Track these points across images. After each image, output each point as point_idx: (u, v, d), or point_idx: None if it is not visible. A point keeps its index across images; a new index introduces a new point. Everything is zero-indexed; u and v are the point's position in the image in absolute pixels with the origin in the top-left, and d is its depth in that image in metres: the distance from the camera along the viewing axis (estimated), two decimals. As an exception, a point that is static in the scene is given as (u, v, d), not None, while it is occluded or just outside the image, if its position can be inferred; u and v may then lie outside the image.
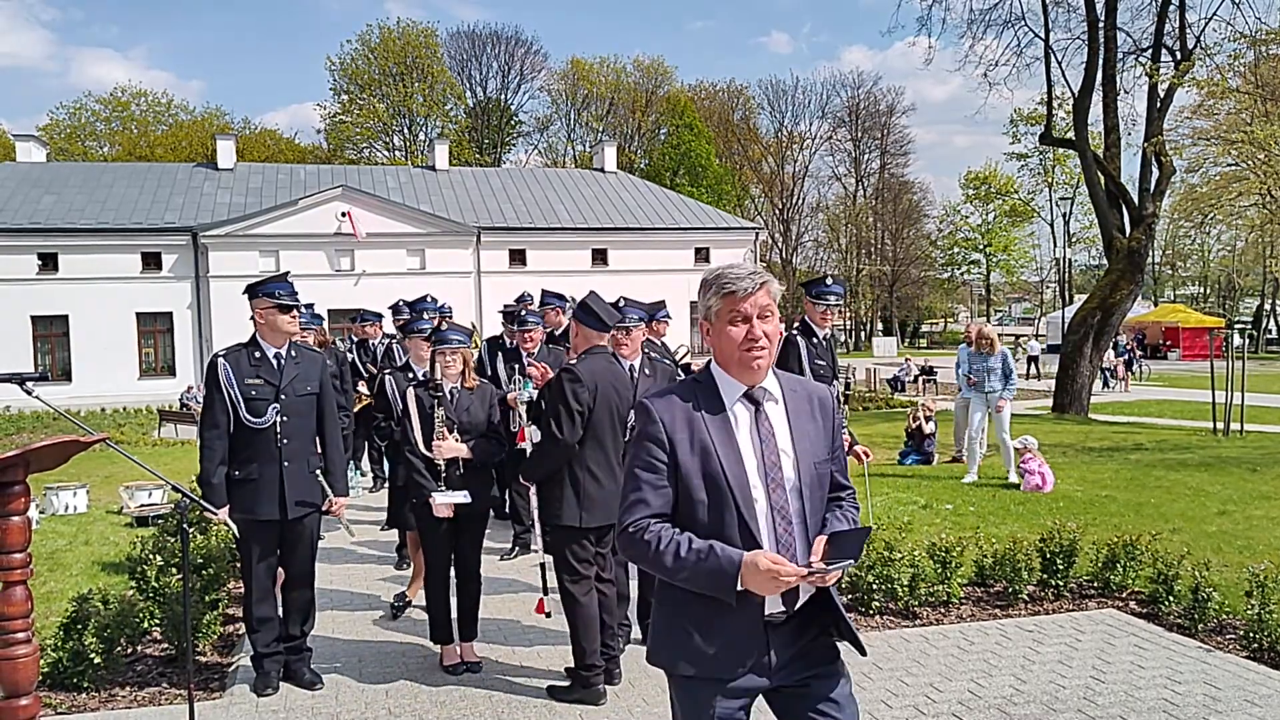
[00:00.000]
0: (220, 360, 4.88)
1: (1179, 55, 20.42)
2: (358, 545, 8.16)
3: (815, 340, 5.84)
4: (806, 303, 6.51)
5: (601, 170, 40.88)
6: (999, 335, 11.72)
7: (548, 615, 5.38)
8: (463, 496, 5.02)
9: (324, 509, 5.10)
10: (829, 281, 6.21)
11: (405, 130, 61.07)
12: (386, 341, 10.27)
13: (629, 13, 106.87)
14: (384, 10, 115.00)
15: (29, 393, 4.00)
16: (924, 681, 4.97)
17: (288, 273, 5.15)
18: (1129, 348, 37.18)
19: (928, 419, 12.89)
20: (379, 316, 10.68)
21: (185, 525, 4.17)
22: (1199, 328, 47.06)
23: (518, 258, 34.63)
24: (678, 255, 36.25)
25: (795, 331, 6.27)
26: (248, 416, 4.83)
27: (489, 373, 7.72)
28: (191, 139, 57.42)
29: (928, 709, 4.63)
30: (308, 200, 32.42)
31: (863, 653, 2.59)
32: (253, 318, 4.93)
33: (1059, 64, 22.43)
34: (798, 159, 68.85)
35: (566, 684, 4.87)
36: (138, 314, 31.63)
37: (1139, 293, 24.11)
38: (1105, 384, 29.79)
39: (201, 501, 4.61)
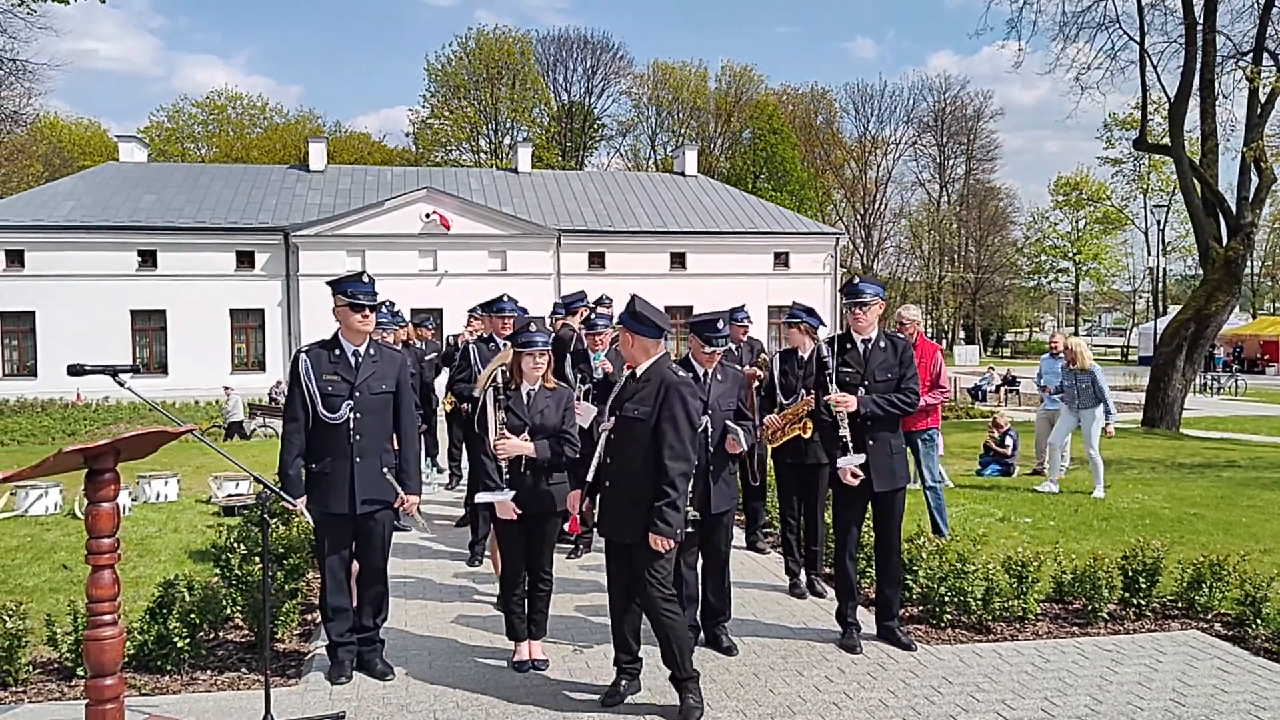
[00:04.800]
0: (302, 356, 5.02)
1: (1282, 58, 19.68)
2: (431, 541, 8.30)
3: (850, 346, 5.62)
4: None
5: (682, 174, 40.91)
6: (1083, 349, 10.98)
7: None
8: (504, 495, 5.07)
9: (396, 507, 5.20)
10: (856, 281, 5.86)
11: (492, 134, 61.97)
12: (465, 343, 10.38)
13: (715, 19, 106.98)
14: (474, 18, 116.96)
15: (121, 384, 4.17)
16: (995, 698, 4.87)
17: (364, 272, 5.24)
18: None
19: (1004, 435, 12.56)
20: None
21: (266, 516, 4.30)
22: (1301, 342, 45.20)
23: (597, 260, 34.87)
24: (757, 259, 36.13)
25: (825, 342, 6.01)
26: (323, 411, 4.95)
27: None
28: (285, 141, 59.15)
29: (998, 725, 4.54)
30: (394, 201, 33.12)
31: None
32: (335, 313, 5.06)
33: (1154, 68, 21.72)
34: (880, 164, 68.01)
35: (674, 705, 4.68)
36: (231, 310, 32.69)
37: (1235, 304, 23.27)
38: None
39: (281, 493, 4.74)
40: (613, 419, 4.75)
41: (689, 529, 4.85)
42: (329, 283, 5.12)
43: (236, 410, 22.36)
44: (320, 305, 32.04)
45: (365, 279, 5.07)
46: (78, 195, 33.16)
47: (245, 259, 32.69)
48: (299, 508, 4.94)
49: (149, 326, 32.44)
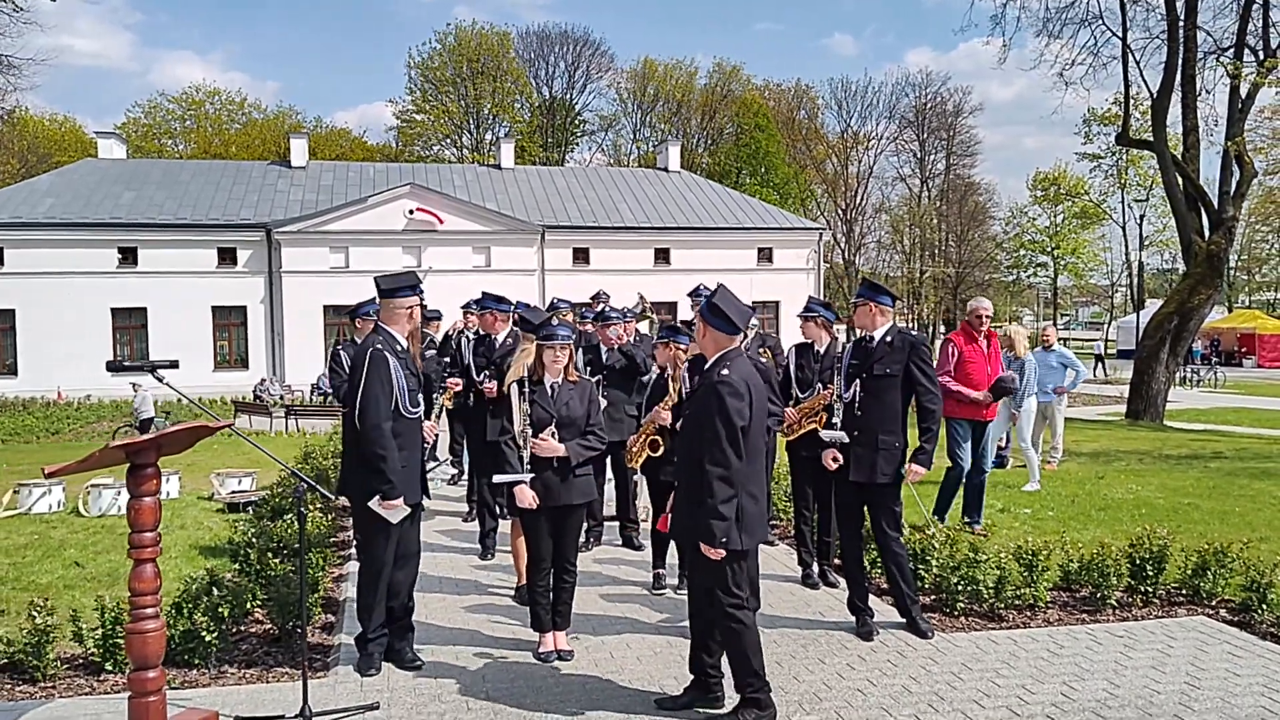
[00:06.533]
0: (387, 355, 4.97)
1: (1262, 54, 19.94)
2: (442, 537, 8.33)
3: (864, 342, 5.91)
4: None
5: (665, 169, 40.95)
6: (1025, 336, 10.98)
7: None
8: (523, 477, 5.13)
9: None
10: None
11: (474, 130, 61.75)
12: (458, 336, 10.38)
13: (696, 14, 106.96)
14: (452, 14, 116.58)
15: (160, 379, 4.19)
16: (1015, 683, 4.97)
17: (413, 271, 5.40)
18: None
19: None
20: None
21: (303, 510, 4.34)
22: (1276, 334, 45.84)
23: (581, 256, 34.86)
24: (740, 255, 36.20)
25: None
26: (409, 407, 5.05)
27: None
28: (265, 137, 58.59)
29: (1021, 710, 4.64)
30: (377, 198, 32.97)
31: None
32: (374, 312, 5.12)
33: (1137, 64, 22.04)
34: (862, 159, 68.27)
35: (730, 711, 4.49)
36: (213, 308, 32.42)
37: (1217, 297, 23.62)
38: None
39: (320, 488, 4.77)
40: (683, 415, 4.72)
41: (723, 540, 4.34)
42: (405, 285, 5.14)
43: (147, 408, 20.82)
44: (302, 302, 31.95)
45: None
46: (56, 192, 32.82)
47: (227, 256, 32.44)
48: (398, 507, 4.90)
49: (130, 324, 32.14)
